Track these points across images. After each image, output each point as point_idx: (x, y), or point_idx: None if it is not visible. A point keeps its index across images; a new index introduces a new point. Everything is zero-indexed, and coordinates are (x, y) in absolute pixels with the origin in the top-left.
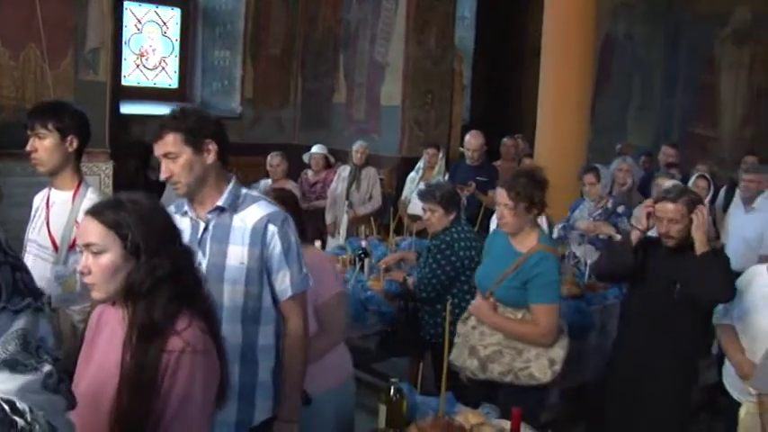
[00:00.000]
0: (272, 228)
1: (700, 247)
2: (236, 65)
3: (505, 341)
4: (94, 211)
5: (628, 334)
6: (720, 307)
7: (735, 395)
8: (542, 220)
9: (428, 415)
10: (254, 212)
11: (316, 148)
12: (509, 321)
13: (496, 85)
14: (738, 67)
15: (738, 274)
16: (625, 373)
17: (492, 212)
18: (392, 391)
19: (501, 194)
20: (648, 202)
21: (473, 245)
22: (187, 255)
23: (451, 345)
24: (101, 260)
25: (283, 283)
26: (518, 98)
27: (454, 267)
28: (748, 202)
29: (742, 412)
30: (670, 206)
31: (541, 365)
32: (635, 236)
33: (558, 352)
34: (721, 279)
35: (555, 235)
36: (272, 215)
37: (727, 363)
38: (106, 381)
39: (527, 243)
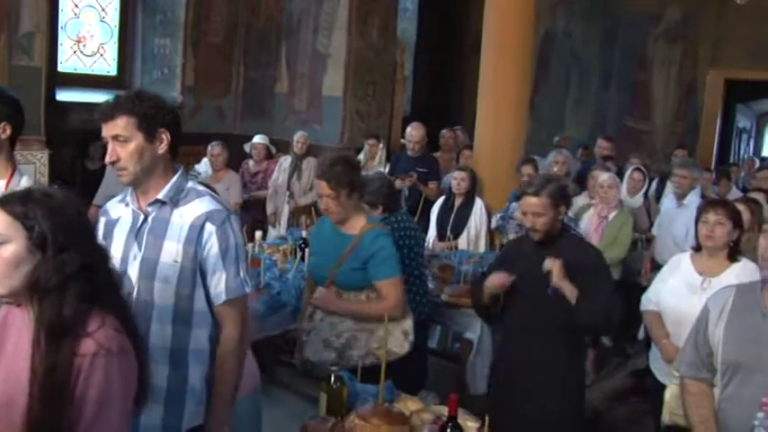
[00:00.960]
0: (209, 227)
1: (570, 296)
2: (176, 53)
3: (357, 325)
4: (1, 201)
5: (507, 351)
6: (647, 293)
7: (660, 378)
8: (482, 210)
9: (368, 402)
10: (195, 209)
11: (257, 138)
12: (358, 304)
13: (438, 76)
14: (669, 64)
15: None
16: (507, 395)
17: (432, 203)
18: (332, 379)
19: (321, 186)
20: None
21: (412, 234)
22: (101, 252)
23: (388, 334)
24: (3, 252)
25: (218, 286)
26: (459, 90)
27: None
28: (680, 197)
29: (667, 394)
30: (533, 200)
31: (397, 339)
32: (486, 293)
33: (408, 322)
34: (598, 320)
35: (494, 225)
36: (211, 213)
37: (653, 347)
38: (16, 388)
39: (356, 225)
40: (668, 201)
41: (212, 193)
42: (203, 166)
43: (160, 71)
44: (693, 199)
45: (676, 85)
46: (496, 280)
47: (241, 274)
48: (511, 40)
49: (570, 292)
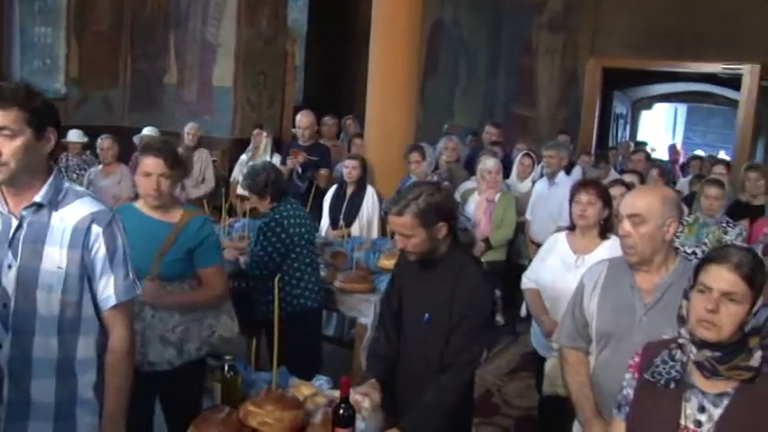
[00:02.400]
0: (96, 228)
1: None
2: (58, 42)
3: (185, 317)
4: None
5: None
6: (526, 273)
7: (541, 352)
8: (373, 197)
9: (262, 389)
10: (77, 211)
11: (147, 130)
12: (187, 295)
13: (329, 66)
14: (553, 52)
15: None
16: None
17: (324, 191)
18: (226, 368)
19: (156, 164)
20: None
21: (303, 221)
22: None
23: (281, 322)
24: None
25: (106, 290)
26: (351, 79)
27: (285, 244)
28: (551, 177)
29: (547, 367)
30: (396, 220)
31: (225, 323)
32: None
33: (229, 303)
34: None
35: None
36: (97, 214)
37: (533, 323)
38: None
39: (174, 213)
40: (540, 182)
41: (91, 193)
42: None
43: (41, 61)
44: (564, 178)
45: (559, 73)
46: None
47: (130, 275)
48: (399, 29)
49: None
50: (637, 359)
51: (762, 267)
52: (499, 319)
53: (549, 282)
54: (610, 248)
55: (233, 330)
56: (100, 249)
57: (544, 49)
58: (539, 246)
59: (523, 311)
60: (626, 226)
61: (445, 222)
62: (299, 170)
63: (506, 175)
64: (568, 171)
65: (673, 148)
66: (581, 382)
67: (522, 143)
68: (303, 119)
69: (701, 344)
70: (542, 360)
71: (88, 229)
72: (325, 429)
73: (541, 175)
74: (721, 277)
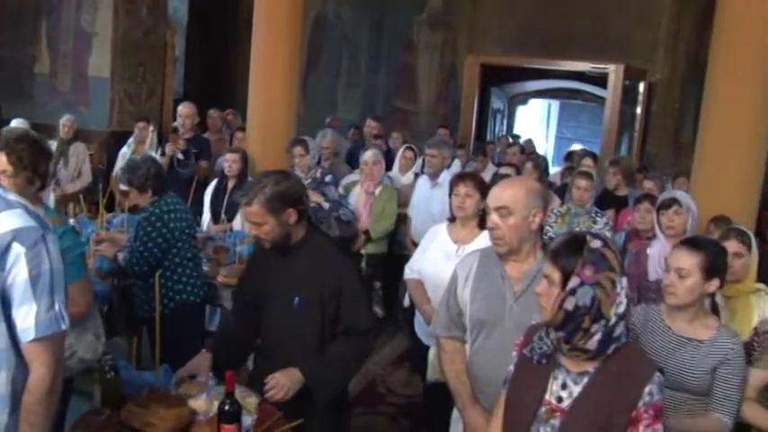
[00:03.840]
0: (17, 248)
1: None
2: None
3: None
4: None
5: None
6: (409, 263)
7: (424, 340)
8: None
9: (144, 389)
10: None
11: (16, 123)
12: None
13: (211, 57)
14: (433, 49)
15: None
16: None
17: (206, 185)
18: (106, 369)
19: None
20: None
21: (183, 216)
22: None
23: (162, 319)
24: None
25: (26, 321)
26: (232, 72)
27: (165, 239)
28: (433, 176)
29: (431, 355)
30: (247, 209)
31: (89, 343)
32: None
33: (96, 320)
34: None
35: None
36: (20, 231)
37: (417, 312)
38: None
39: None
40: (422, 180)
41: (28, 206)
42: None
43: None
44: (446, 177)
45: (439, 69)
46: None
47: (56, 307)
48: (281, 22)
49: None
50: (522, 338)
51: (570, 250)
52: (378, 310)
53: (430, 271)
54: (488, 238)
55: (96, 351)
56: (20, 273)
57: (424, 46)
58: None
59: (406, 301)
60: (494, 218)
61: (294, 209)
62: (180, 157)
63: (389, 167)
64: (448, 166)
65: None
66: (457, 370)
67: (396, 132)
68: (184, 109)
69: (549, 325)
70: (426, 348)
71: (7, 249)
72: (210, 426)
73: (422, 172)
74: (546, 264)
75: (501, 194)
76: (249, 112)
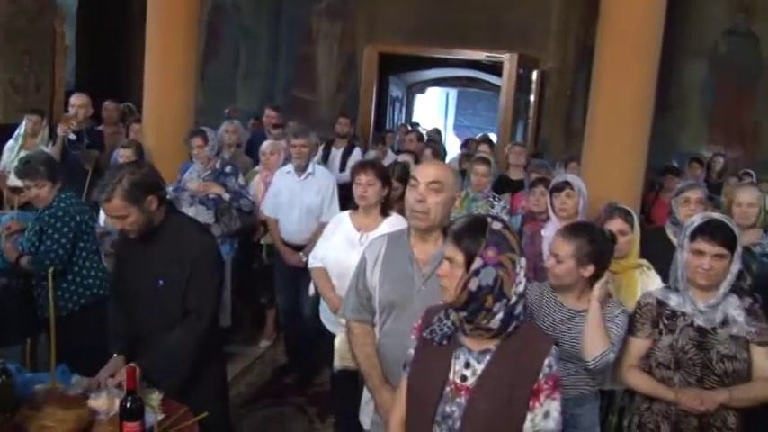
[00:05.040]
0: None
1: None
2: None
3: None
4: None
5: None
6: (313, 252)
7: (330, 328)
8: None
9: (41, 390)
10: None
11: None
12: None
13: (104, 47)
14: (332, 39)
15: None
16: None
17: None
18: None
19: None
20: None
21: (84, 209)
22: None
23: (57, 316)
24: None
25: None
26: (127, 62)
27: (74, 233)
28: (301, 168)
29: (337, 342)
30: (107, 205)
31: None
32: None
33: None
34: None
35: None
36: None
37: (322, 300)
38: None
39: None
40: (283, 175)
41: None
42: None
43: None
44: (318, 168)
45: (338, 59)
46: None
47: None
48: (177, 11)
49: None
50: (420, 321)
51: (472, 232)
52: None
53: (334, 260)
54: (391, 225)
55: None
56: None
57: (323, 36)
58: (298, 249)
59: (311, 290)
60: (422, 190)
61: (154, 195)
62: (72, 137)
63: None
64: (348, 153)
65: None
66: (368, 352)
67: (293, 121)
68: (77, 99)
69: (452, 306)
70: (332, 336)
71: None
72: (112, 425)
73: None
74: (447, 246)
75: (433, 171)
76: (145, 104)
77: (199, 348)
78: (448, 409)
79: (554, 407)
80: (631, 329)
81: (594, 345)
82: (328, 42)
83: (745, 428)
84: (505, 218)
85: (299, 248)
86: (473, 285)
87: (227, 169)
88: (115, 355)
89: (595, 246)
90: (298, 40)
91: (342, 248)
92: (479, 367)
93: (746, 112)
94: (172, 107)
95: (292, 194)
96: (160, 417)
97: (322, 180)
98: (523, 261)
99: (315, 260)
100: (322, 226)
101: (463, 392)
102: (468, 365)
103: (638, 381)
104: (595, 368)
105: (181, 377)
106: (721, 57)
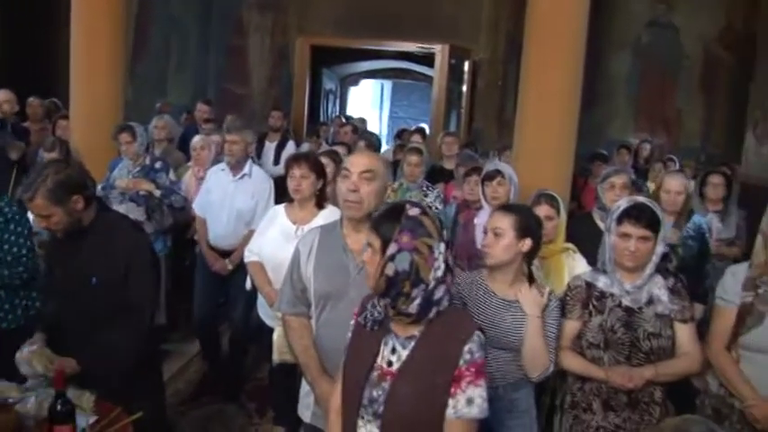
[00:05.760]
0: None
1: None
2: None
3: None
4: None
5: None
6: (249, 246)
7: (268, 322)
8: None
9: None
10: None
11: None
12: None
13: (27, 40)
14: (263, 31)
15: None
16: None
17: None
18: None
19: None
20: None
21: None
22: None
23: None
24: None
25: None
26: (53, 56)
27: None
28: (236, 167)
29: (275, 336)
30: (31, 204)
31: None
32: None
33: None
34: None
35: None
36: None
37: (259, 295)
38: None
39: None
40: (217, 173)
41: None
42: None
43: None
44: (255, 169)
45: (270, 51)
46: None
47: None
48: (102, 3)
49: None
50: (359, 307)
51: (389, 217)
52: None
53: (270, 253)
54: (327, 218)
55: None
56: None
57: (254, 28)
58: (223, 254)
59: (248, 284)
60: (354, 179)
61: (79, 195)
62: None
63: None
64: (282, 146)
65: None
66: (305, 344)
67: (231, 117)
68: (1, 95)
69: (375, 292)
70: (270, 330)
71: None
72: (41, 430)
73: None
74: (368, 232)
75: (364, 160)
76: (72, 100)
77: (142, 344)
78: (375, 393)
79: (477, 393)
80: (563, 312)
81: (536, 364)
82: (260, 34)
83: (669, 402)
84: (439, 207)
85: (224, 254)
86: (390, 270)
87: (158, 165)
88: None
89: (531, 220)
90: (229, 32)
91: (277, 242)
92: (404, 353)
93: (669, 100)
94: (99, 102)
95: (224, 195)
96: (92, 419)
97: (258, 183)
98: (442, 246)
99: (251, 254)
100: (251, 234)
101: (388, 377)
102: (394, 351)
103: (571, 362)
104: (538, 380)
105: (124, 373)
106: (644, 48)
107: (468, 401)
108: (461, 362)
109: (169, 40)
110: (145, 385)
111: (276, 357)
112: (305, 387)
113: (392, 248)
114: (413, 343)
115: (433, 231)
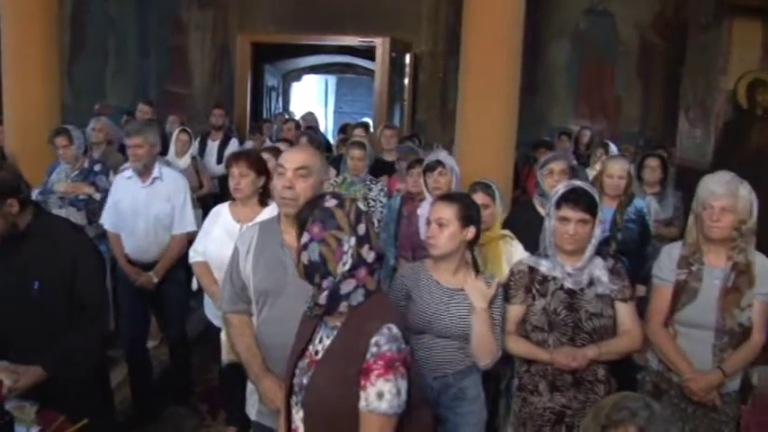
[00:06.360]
0: None
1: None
2: None
3: None
4: None
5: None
6: (194, 246)
7: (216, 322)
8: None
9: None
10: None
11: None
12: None
13: None
14: (203, 29)
15: None
16: None
17: None
18: None
19: None
20: None
21: None
22: None
23: None
24: None
25: None
26: None
27: None
28: (144, 172)
29: (223, 336)
30: None
31: None
32: None
33: None
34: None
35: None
36: None
37: (206, 295)
38: None
39: None
40: (125, 180)
41: None
42: None
43: None
44: (167, 171)
45: (211, 49)
46: None
47: None
48: (33, 4)
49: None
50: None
51: (308, 208)
52: None
53: (215, 252)
54: (270, 215)
55: None
56: None
57: (194, 26)
58: (147, 267)
59: (194, 285)
60: (289, 176)
61: (13, 198)
62: None
63: (165, 152)
64: (224, 145)
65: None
66: (247, 342)
67: (172, 117)
68: None
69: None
70: (218, 330)
71: None
72: None
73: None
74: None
75: (299, 156)
76: (5, 104)
77: (102, 343)
78: (304, 380)
79: (388, 388)
80: (506, 297)
81: (484, 352)
82: (200, 33)
83: (613, 379)
84: (383, 200)
85: (147, 267)
86: (305, 259)
87: (97, 168)
88: None
89: (473, 208)
90: (168, 31)
91: (222, 241)
92: (327, 343)
93: (608, 86)
94: (34, 106)
95: (136, 204)
96: (35, 429)
97: (171, 185)
98: (353, 240)
99: (196, 254)
100: (175, 240)
101: (314, 366)
102: (321, 340)
103: (516, 346)
104: (487, 367)
105: (86, 374)
106: (582, 36)
107: (378, 395)
108: (369, 354)
109: (107, 40)
110: (92, 391)
111: (225, 357)
112: (250, 385)
113: (304, 238)
114: (335, 333)
115: (345, 224)
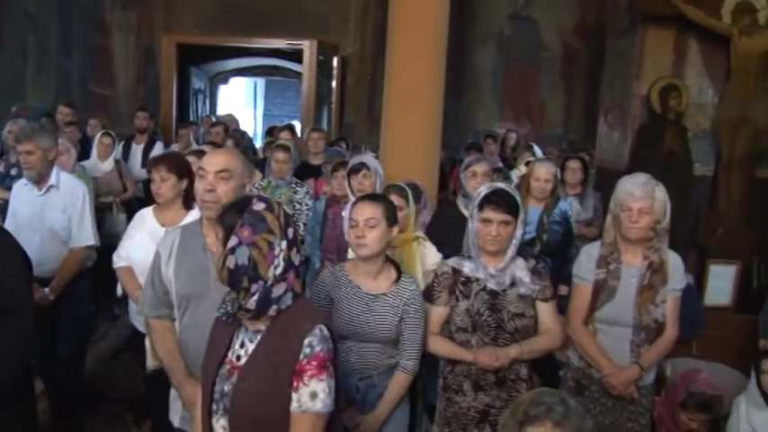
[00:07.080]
0: None
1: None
2: None
3: None
4: None
5: None
6: (117, 251)
7: (140, 328)
8: None
9: None
10: None
11: None
12: None
13: None
14: (128, 29)
15: None
16: None
17: None
18: None
19: None
20: None
21: None
22: None
23: None
24: None
25: None
26: None
27: None
28: (40, 180)
29: (148, 341)
30: None
31: None
32: None
33: None
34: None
35: None
36: None
37: (130, 302)
38: None
39: None
40: (21, 189)
41: None
42: None
43: None
44: (64, 177)
45: (135, 51)
46: None
47: None
48: None
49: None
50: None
51: (235, 210)
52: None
53: (140, 257)
54: (195, 218)
55: None
56: None
57: (118, 26)
58: (43, 282)
59: (119, 291)
60: (210, 179)
61: None
62: None
63: (87, 155)
64: (149, 148)
65: None
66: (169, 348)
67: (94, 120)
68: None
69: (223, 283)
70: (143, 336)
71: None
72: None
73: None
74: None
75: (220, 159)
76: None
77: (30, 345)
78: (225, 387)
79: (321, 388)
80: (430, 298)
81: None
82: (124, 33)
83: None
84: (309, 203)
85: (44, 282)
86: (231, 263)
87: (13, 171)
88: None
89: (394, 209)
90: (91, 30)
91: (146, 246)
92: (251, 347)
93: (533, 90)
94: None
95: (32, 214)
96: None
97: (68, 193)
98: (284, 244)
99: (119, 259)
100: (72, 254)
101: (236, 372)
102: (243, 345)
103: (440, 346)
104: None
105: (11, 381)
106: (507, 41)
107: (311, 395)
108: (302, 356)
109: (26, 39)
110: (14, 402)
111: (150, 363)
112: (174, 391)
113: (232, 241)
114: (259, 337)
115: (276, 228)
